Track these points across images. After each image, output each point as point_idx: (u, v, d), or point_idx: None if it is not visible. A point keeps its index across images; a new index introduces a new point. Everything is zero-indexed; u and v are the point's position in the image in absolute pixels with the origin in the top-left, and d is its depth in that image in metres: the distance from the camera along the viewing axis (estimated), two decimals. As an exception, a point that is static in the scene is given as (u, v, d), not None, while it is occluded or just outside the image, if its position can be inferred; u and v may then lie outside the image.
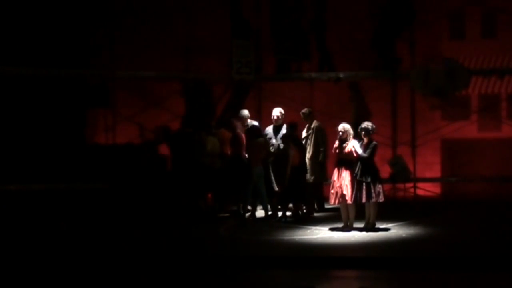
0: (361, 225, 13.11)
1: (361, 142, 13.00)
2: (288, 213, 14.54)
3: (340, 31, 17.91)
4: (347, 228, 13.12)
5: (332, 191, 13.10)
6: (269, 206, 14.83)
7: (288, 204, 14.57)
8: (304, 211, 14.92)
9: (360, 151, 12.87)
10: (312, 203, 15.20)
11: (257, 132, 15.11)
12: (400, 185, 17.17)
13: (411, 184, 17.23)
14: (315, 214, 15.09)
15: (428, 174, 18.38)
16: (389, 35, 17.05)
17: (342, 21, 17.83)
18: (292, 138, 14.56)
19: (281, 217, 14.47)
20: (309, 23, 17.42)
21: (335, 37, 17.78)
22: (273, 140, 15.49)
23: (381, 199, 12.91)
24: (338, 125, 13.30)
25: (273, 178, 14.87)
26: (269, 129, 15.60)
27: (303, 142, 15.26)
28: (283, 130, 15.38)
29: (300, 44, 17.36)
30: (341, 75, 17.40)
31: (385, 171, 15.80)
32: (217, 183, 15.14)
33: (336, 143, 13.11)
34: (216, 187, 15.27)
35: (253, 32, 17.43)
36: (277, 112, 15.50)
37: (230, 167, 15.00)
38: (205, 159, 15.11)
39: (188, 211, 15.12)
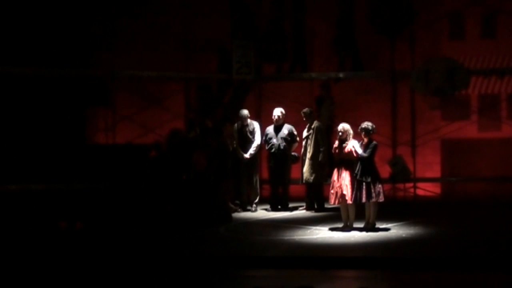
0: (361, 225, 13.10)
1: (361, 142, 12.99)
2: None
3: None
4: (347, 228, 13.11)
5: (332, 191, 13.09)
6: None
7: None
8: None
9: (360, 151, 12.86)
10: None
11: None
12: (400, 185, 17.16)
13: (411, 184, 17.23)
14: (316, 214, 15.09)
15: (428, 174, 18.36)
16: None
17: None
18: (197, 142, 14.48)
19: None
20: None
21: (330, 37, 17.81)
22: (274, 140, 15.53)
23: (381, 199, 12.90)
24: (338, 125, 13.30)
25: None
26: (270, 129, 15.65)
27: (304, 142, 15.29)
28: (284, 130, 15.39)
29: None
30: (341, 75, 17.42)
31: (385, 171, 15.80)
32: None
33: (336, 143, 13.11)
34: None
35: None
36: (278, 112, 15.53)
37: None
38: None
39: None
